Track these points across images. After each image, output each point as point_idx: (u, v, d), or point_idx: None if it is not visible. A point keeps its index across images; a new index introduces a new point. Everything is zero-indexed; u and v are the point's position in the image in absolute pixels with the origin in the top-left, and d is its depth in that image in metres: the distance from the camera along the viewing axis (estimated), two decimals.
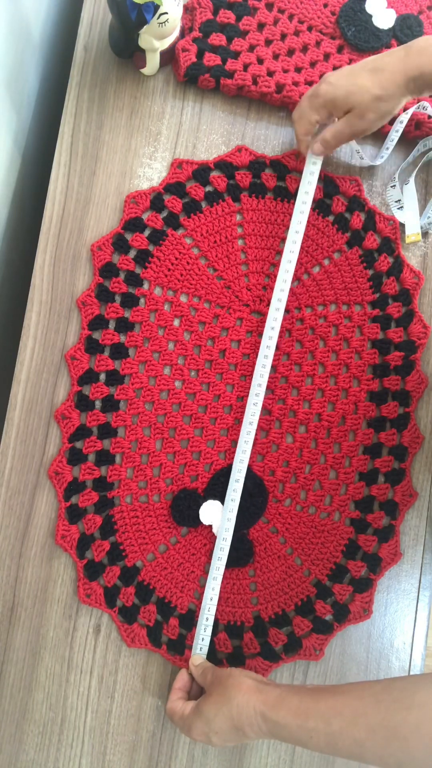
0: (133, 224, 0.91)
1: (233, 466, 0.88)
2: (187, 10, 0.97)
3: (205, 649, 0.84)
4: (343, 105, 0.83)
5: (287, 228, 0.93)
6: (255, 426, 0.88)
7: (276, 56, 0.98)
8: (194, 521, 0.87)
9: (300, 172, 0.94)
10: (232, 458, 0.88)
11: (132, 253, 0.91)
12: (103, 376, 0.88)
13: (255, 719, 0.70)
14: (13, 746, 0.84)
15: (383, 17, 0.99)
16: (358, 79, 0.82)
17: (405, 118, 0.95)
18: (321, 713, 0.67)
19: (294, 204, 0.93)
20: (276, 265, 0.93)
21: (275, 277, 0.91)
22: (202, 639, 0.84)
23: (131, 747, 0.85)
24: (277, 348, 0.92)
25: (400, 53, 0.81)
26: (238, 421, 0.90)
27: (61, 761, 0.84)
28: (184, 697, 0.81)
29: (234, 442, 0.90)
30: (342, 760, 0.88)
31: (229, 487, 0.87)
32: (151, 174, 0.94)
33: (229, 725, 0.72)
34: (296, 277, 0.94)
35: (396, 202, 0.97)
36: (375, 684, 0.68)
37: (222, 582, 0.86)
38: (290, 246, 0.91)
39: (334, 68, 0.99)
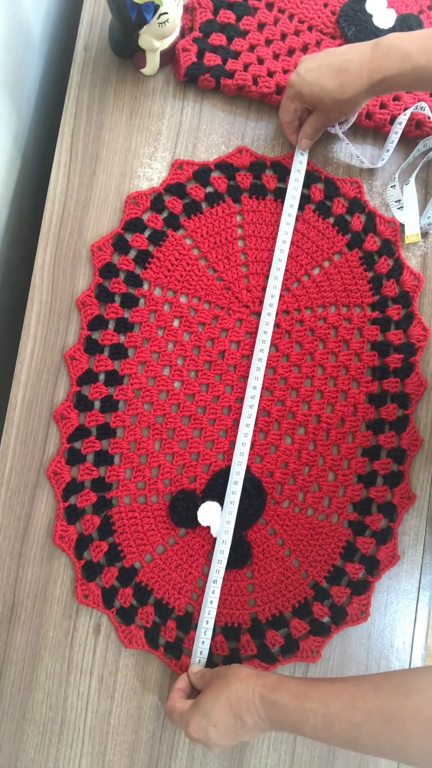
0: (134, 225, 0.91)
1: (231, 469, 0.88)
2: (187, 10, 0.96)
3: (204, 660, 0.84)
4: (309, 101, 0.88)
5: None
6: (251, 428, 0.88)
7: (276, 56, 0.97)
8: (192, 522, 0.87)
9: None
10: (231, 459, 0.88)
11: (132, 254, 0.91)
12: (102, 377, 0.88)
13: (253, 703, 0.70)
14: (13, 746, 0.84)
15: (383, 17, 0.99)
16: (322, 78, 0.85)
17: (404, 119, 0.95)
18: (319, 695, 0.68)
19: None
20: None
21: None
22: (203, 642, 0.84)
23: (131, 747, 0.86)
24: (277, 349, 0.92)
25: (367, 50, 0.82)
26: (237, 423, 0.90)
27: (61, 761, 0.84)
28: (184, 697, 0.81)
29: (233, 444, 0.89)
30: (342, 759, 0.88)
31: (227, 489, 0.87)
32: (151, 174, 0.94)
33: (227, 713, 0.72)
34: (296, 279, 0.94)
35: (396, 202, 0.97)
36: (374, 675, 0.69)
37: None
38: (282, 240, 0.93)
39: None
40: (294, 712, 0.68)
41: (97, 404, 0.88)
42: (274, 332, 0.92)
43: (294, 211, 0.93)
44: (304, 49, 0.99)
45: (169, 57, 0.95)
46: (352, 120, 0.95)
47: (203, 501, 0.88)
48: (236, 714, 0.71)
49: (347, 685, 0.68)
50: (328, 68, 0.84)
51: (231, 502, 0.87)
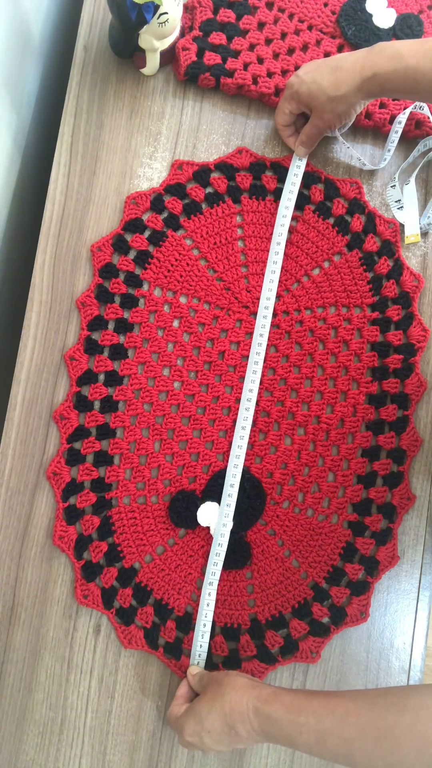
0: (133, 225, 0.91)
1: (227, 471, 0.88)
2: (187, 9, 0.96)
3: (203, 662, 0.84)
4: (305, 102, 0.89)
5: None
6: (248, 429, 0.88)
7: (276, 55, 0.97)
8: (192, 523, 0.87)
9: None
10: None
11: (132, 254, 0.91)
12: (102, 377, 0.89)
13: (247, 715, 0.70)
14: (13, 746, 0.84)
15: (383, 16, 0.99)
16: (318, 76, 0.86)
17: (403, 118, 0.95)
18: (313, 710, 0.67)
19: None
20: None
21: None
22: (200, 645, 0.84)
23: (131, 747, 0.86)
24: (277, 350, 0.92)
25: (363, 52, 0.84)
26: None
27: (61, 761, 0.84)
28: (185, 703, 0.81)
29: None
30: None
31: (223, 492, 0.87)
32: (151, 174, 0.94)
33: (221, 722, 0.72)
34: (296, 280, 0.94)
35: (396, 202, 0.97)
36: (370, 690, 0.69)
37: (219, 584, 0.86)
38: (276, 242, 0.93)
39: None
40: (287, 726, 0.68)
41: (96, 404, 0.88)
42: (274, 333, 0.92)
43: (289, 212, 0.93)
44: (304, 48, 0.99)
45: (169, 57, 0.95)
46: (350, 123, 0.94)
47: (203, 501, 0.88)
48: (230, 724, 0.71)
49: (342, 700, 0.67)
50: (325, 67, 0.86)
51: (227, 505, 0.87)
